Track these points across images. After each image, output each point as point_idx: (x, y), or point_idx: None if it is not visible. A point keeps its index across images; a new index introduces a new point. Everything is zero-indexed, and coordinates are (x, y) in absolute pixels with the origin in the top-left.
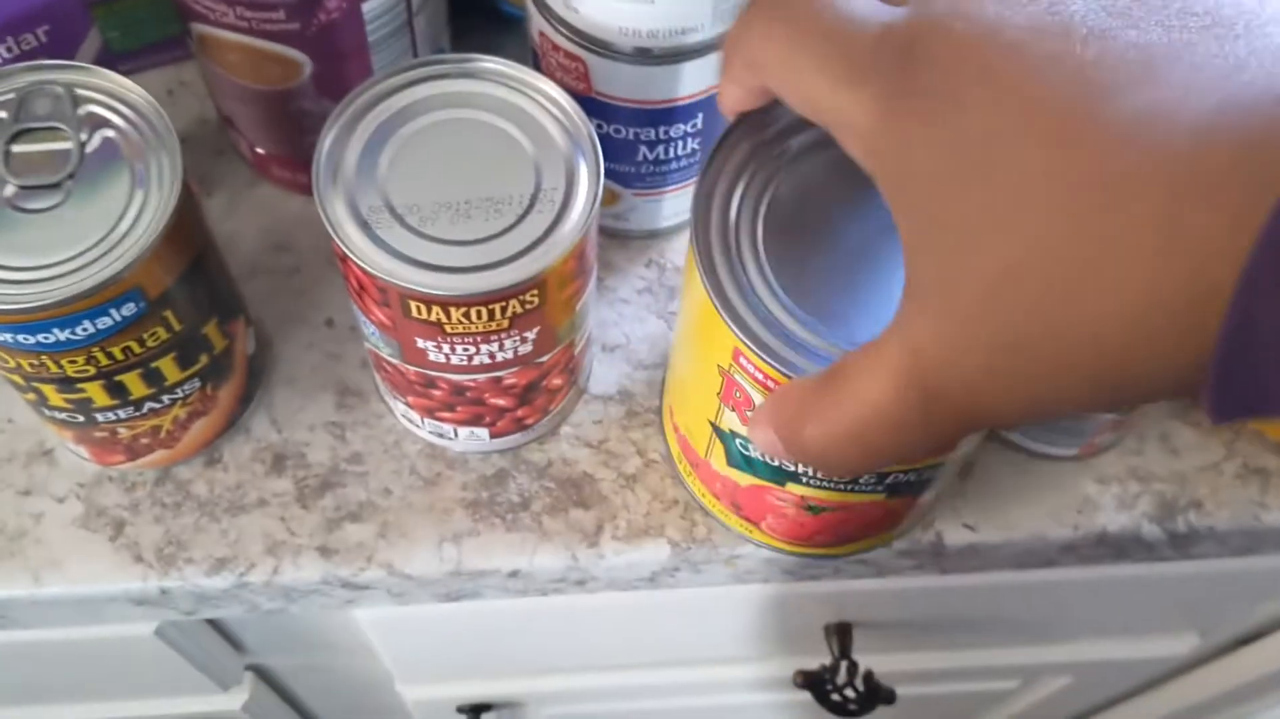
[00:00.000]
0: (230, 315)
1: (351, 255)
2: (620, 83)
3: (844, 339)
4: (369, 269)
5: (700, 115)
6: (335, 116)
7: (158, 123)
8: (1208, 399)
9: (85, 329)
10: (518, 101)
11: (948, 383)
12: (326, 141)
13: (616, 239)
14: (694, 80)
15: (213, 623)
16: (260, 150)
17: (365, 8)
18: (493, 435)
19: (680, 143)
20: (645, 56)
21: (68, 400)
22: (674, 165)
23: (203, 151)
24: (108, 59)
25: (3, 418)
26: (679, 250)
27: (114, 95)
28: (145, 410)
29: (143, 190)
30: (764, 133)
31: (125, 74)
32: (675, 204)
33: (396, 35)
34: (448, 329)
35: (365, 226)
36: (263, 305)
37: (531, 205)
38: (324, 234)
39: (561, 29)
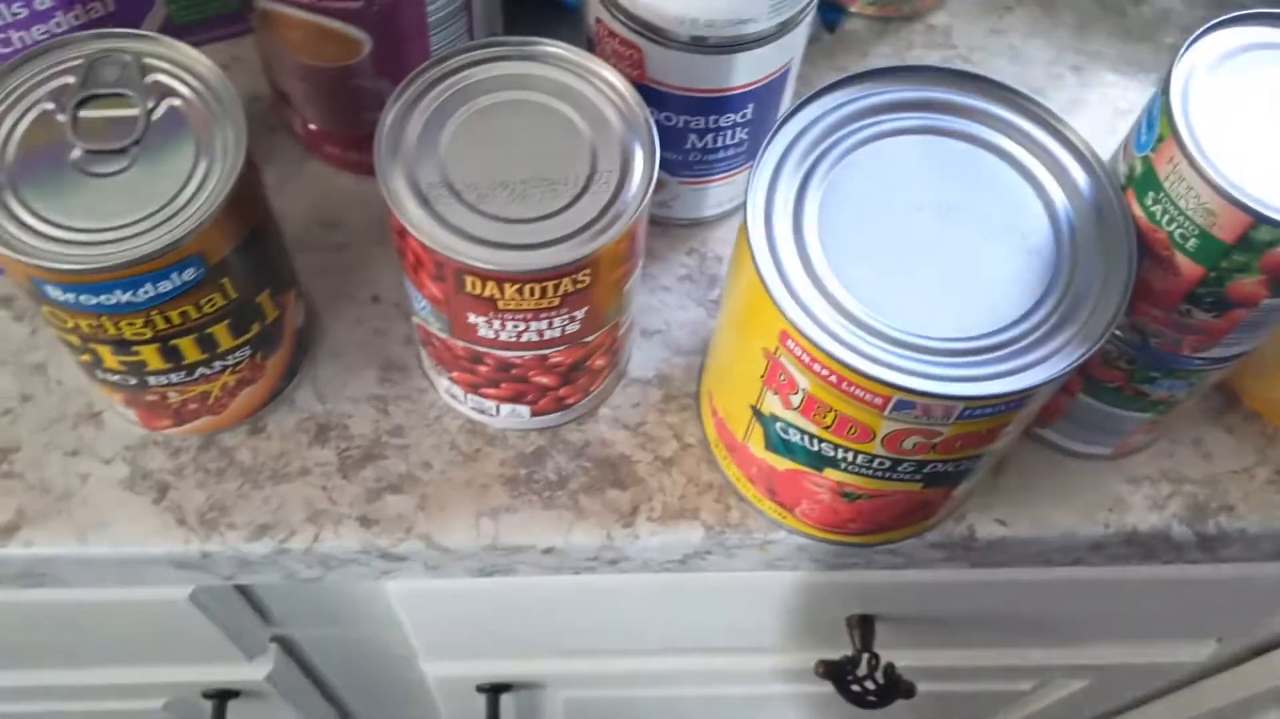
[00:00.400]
0: (283, 286)
1: (410, 229)
2: (674, 70)
3: (893, 324)
4: (427, 243)
5: (751, 105)
6: (398, 94)
7: (223, 93)
8: None
9: (146, 292)
10: (576, 85)
11: None
12: (388, 118)
13: (659, 226)
14: (748, 70)
15: (242, 591)
16: (313, 127)
17: None
18: (533, 414)
19: (729, 132)
20: (701, 45)
21: (122, 363)
22: (721, 154)
23: (255, 128)
24: (169, 31)
25: (52, 380)
26: (721, 239)
27: (180, 65)
28: (196, 376)
29: (206, 159)
30: (820, 122)
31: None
32: (720, 193)
33: (455, 17)
34: (500, 305)
35: (424, 202)
36: (311, 280)
37: (587, 187)
38: (371, 211)
39: (619, 15)
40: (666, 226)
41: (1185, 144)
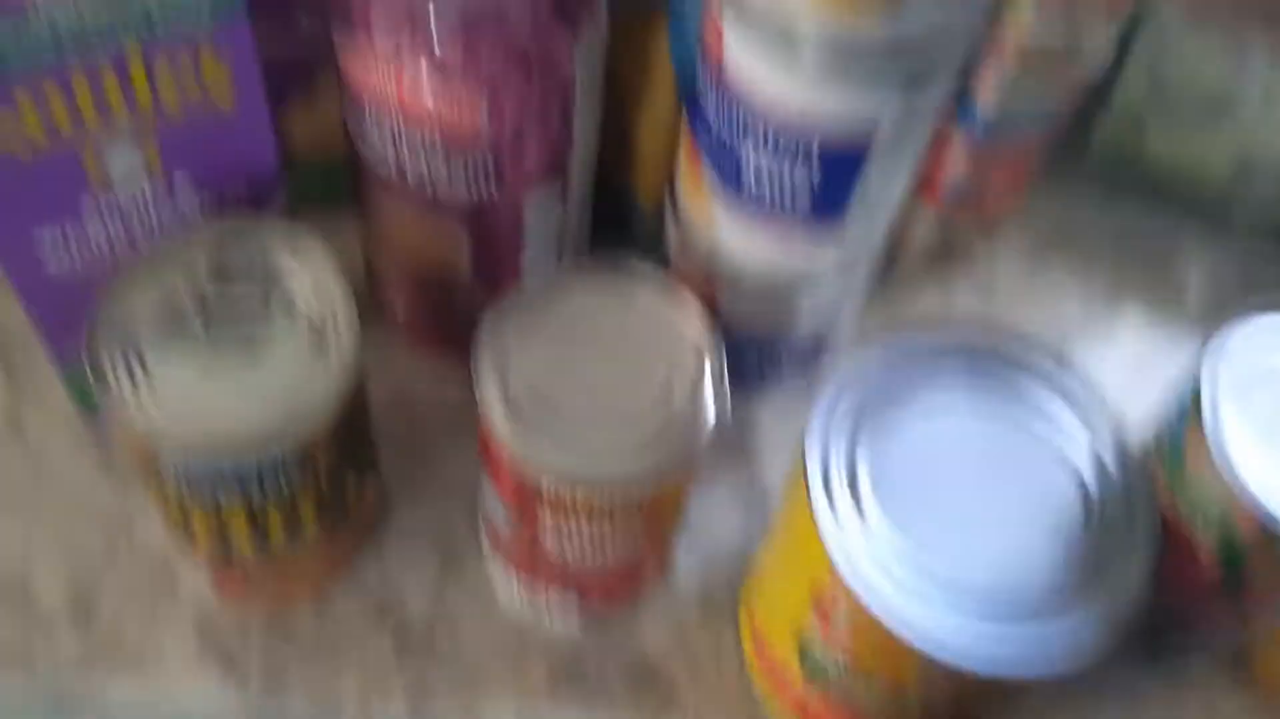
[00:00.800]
0: (366, 470)
1: (497, 435)
2: (742, 304)
3: (940, 575)
4: (511, 450)
5: (811, 340)
6: (496, 308)
7: (340, 286)
8: None
9: (251, 472)
10: (659, 308)
11: None
12: (486, 331)
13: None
14: (811, 312)
15: None
16: (404, 315)
17: (526, 206)
18: (581, 613)
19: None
20: (770, 288)
21: (211, 533)
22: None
23: None
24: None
25: (136, 539)
26: (770, 445)
27: (302, 256)
28: (277, 551)
29: (320, 349)
30: (872, 371)
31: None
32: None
33: (550, 234)
34: (570, 512)
35: (512, 410)
36: (385, 460)
37: (661, 406)
38: (450, 396)
39: (698, 255)
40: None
41: (1211, 441)
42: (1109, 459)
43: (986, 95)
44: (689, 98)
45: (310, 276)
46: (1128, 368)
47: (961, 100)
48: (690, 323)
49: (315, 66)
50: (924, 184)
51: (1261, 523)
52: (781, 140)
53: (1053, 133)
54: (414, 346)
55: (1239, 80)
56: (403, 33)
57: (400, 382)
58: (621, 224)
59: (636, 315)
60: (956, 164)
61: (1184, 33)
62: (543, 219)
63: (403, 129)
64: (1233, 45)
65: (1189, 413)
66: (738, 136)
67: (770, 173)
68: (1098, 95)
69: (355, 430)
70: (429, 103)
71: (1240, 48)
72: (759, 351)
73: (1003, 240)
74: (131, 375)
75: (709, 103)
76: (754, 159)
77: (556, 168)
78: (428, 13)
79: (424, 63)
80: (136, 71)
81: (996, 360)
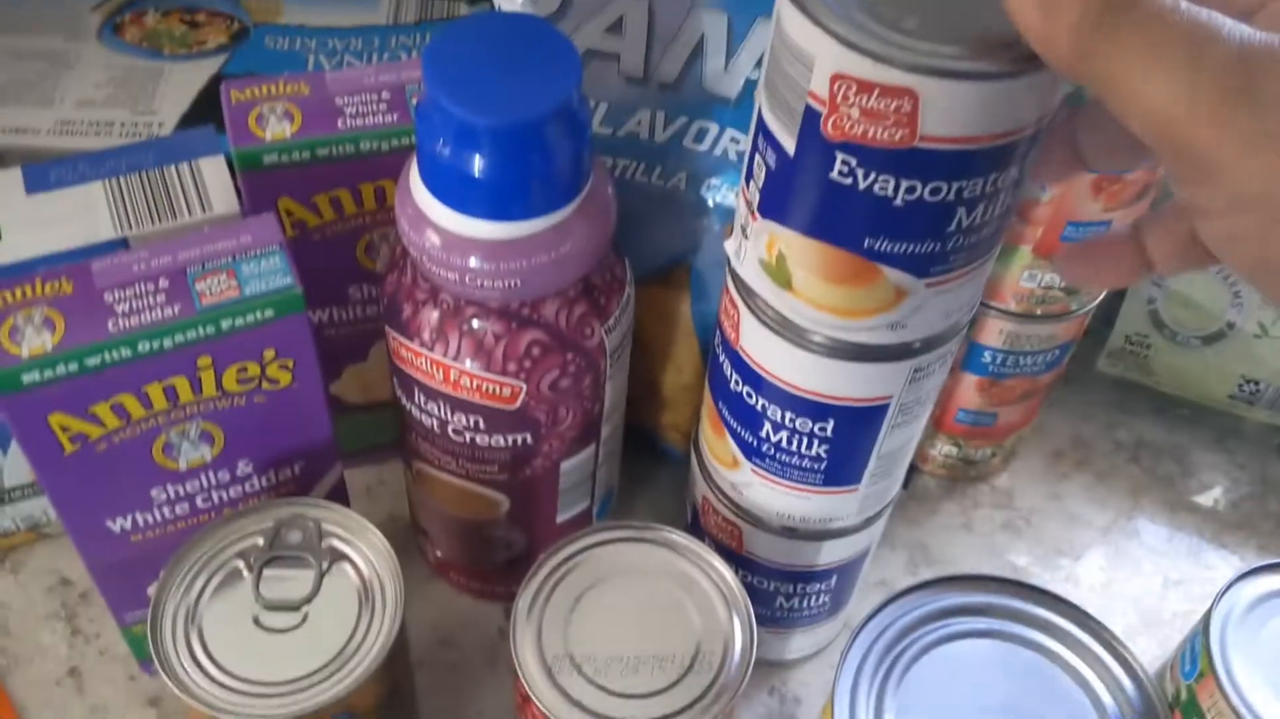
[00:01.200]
0: (407, 717)
1: (535, 698)
2: (766, 547)
3: None
4: (549, 712)
5: (834, 577)
6: (532, 573)
7: (388, 560)
8: None
9: None
10: (688, 570)
11: None
12: (522, 596)
13: None
14: (833, 553)
15: None
16: (442, 555)
17: (563, 465)
18: None
19: (813, 597)
20: (793, 534)
21: None
22: (805, 613)
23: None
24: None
25: None
26: (800, 680)
27: (353, 532)
28: None
29: (368, 619)
30: (896, 624)
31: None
32: (802, 641)
33: (583, 483)
34: None
35: (548, 673)
36: (423, 696)
37: (691, 666)
38: (486, 636)
39: (724, 501)
40: None
41: (1224, 687)
42: (1134, 698)
43: (991, 341)
44: (710, 352)
45: (360, 551)
46: (1149, 584)
47: (969, 348)
48: (720, 586)
49: (370, 338)
50: (939, 415)
51: None
52: (796, 411)
53: (1059, 365)
54: (455, 585)
55: (1234, 311)
56: (446, 333)
57: (446, 618)
58: (653, 458)
59: (669, 577)
60: (968, 399)
61: None
62: (576, 473)
63: (446, 408)
64: (1225, 277)
65: (1201, 657)
66: (755, 401)
67: (787, 435)
68: (1103, 317)
69: (400, 689)
70: (471, 388)
71: (1231, 279)
72: (785, 589)
73: (1020, 455)
74: (190, 648)
75: (727, 369)
76: (771, 422)
77: (590, 430)
78: (468, 316)
79: (467, 358)
80: (206, 375)
81: (1018, 615)
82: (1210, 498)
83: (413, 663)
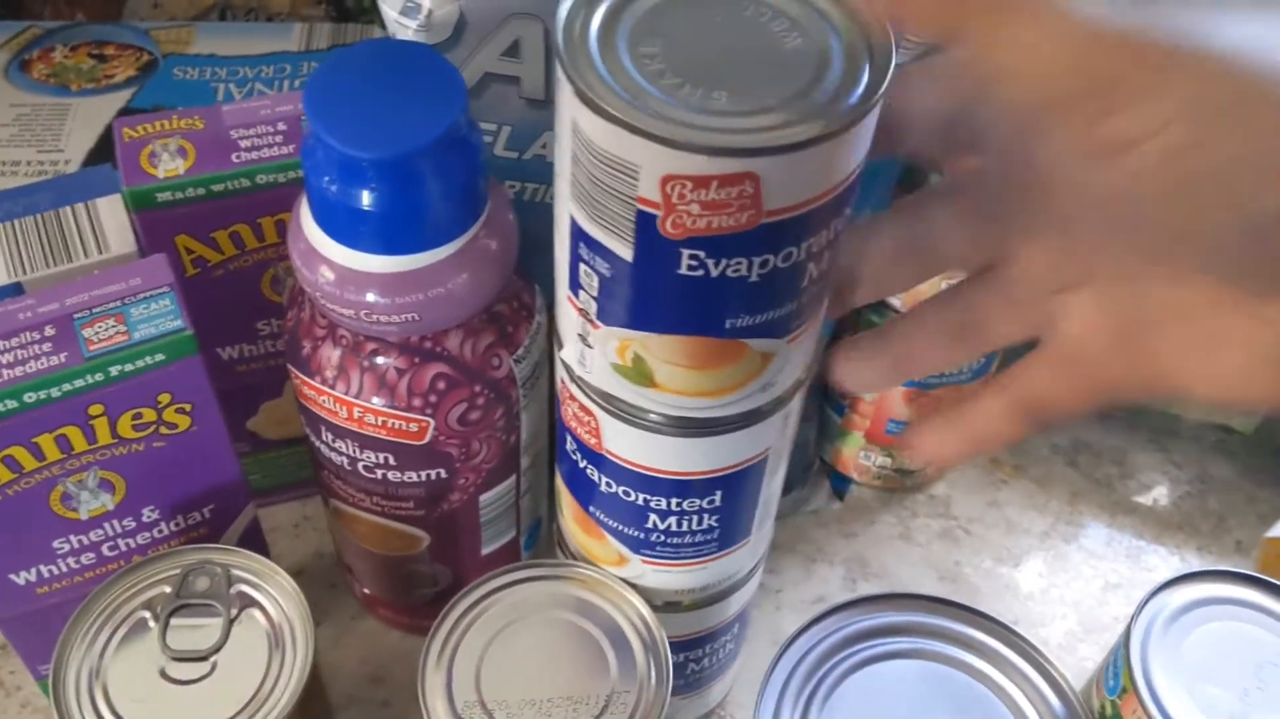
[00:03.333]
0: None
1: None
2: (674, 626)
3: None
4: None
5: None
6: (441, 618)
7: (298, 604)
8: None
9: None
10: (605, 608)
11: None
12: (434, 642)
13: None
14: (738, 603)
15: None
16: (369, 592)
17: (482, 498)
18: None
19: (724, 648)
20: (692, 605)
21: None
22: (719, 663)
23: (317, 584)
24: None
25: None
26: (736, 703)
27: (263, 577)
28: None
29: (278, 665)
30: (821, 645)
31: (260, 507)
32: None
33: (505, 514)
34: None
35: None
36: None
37: (605, 709)
38: (415, 670)
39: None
40: None
41: (1145, 703)
42: (1060, 715)
43: None
44: (560, 459)
45: (270, 596)
46: (1089, 588)
47: None
48: (636, 624)
49: (284, 373)
50: (870, 427)
51: None
52: (683, 495)
53: (986, 373)
54: (383, 621)
55: None
56: (348, 370)
57: (376, 654)
58: None
59: (585, 616)
60: (896, 410)
61: None
62: (497, 505)
63: (355, 445)
64: None
65: (1123, 673)
66: (635, 498)
67: (676, 520)
68: None
69: None
70: (377, 424)
71: None
72: (694, 654)
73: (957, 464)
74: (95, 705)
75: (593, 474)
76: (657, 513)
77: (508, 462)
78: (369, 352)
79: (371, 395)
80: (99, 423)
81: (946, 634)
82: (1150, 498)
83: (332, 703)
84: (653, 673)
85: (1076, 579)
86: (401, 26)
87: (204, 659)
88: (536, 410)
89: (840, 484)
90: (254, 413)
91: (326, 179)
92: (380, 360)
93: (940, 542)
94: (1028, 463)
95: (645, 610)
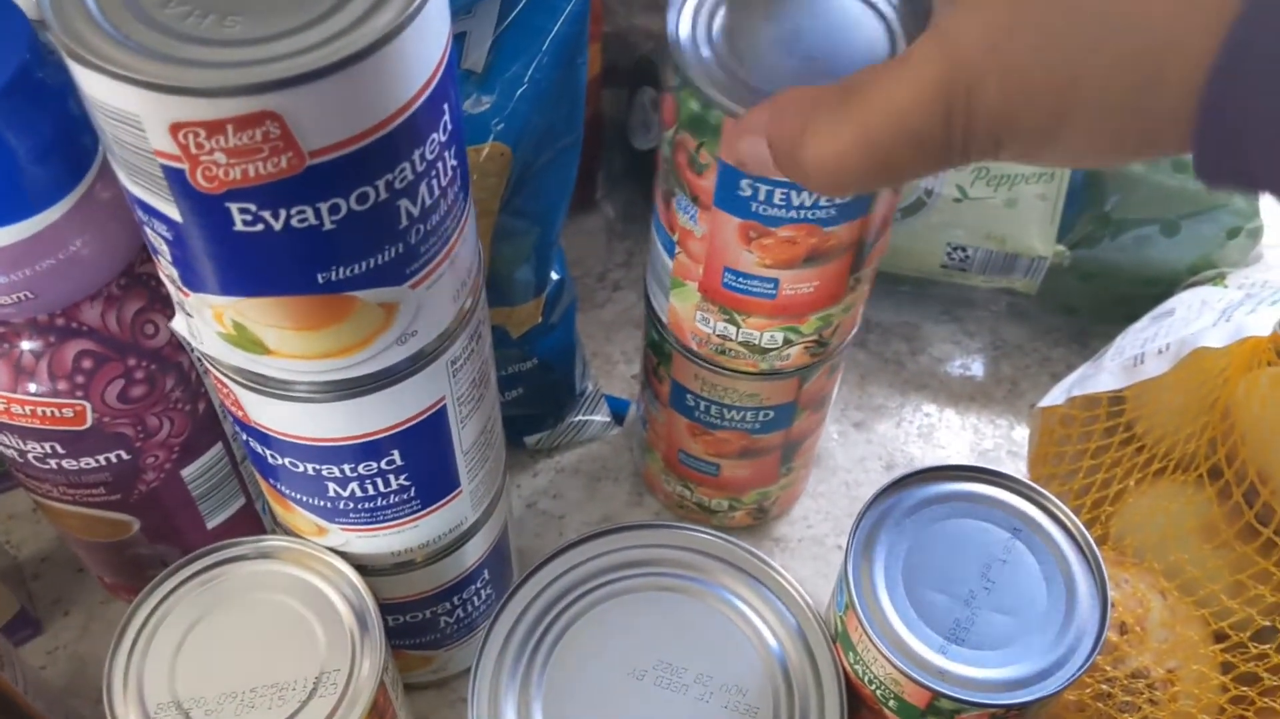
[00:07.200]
0: None
1: None
2: (405, 586)
3: None
4: None
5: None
6: (126, 619)
7: None
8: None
9: None
10: (309, 579)
11: (980, 86)
12: (119, 648)
13: None
14: (476, 551)
15: None
16: (106, 578)
17: (185, 473)
18: None
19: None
20: (418, 563)
21: None
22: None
23: (63, 570)
24: None
25: None
26: None
27: None
28: None
29: None
30: (548, 590)
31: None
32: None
33: (223, 484)
34: None
35: None
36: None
37: (314, 691)
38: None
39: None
40: None
41: (863, 619)
42: (798, 640)
43: (689, 384)
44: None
45: None
46: (876, 479)
47: (672, 385)
48: (344, 591)
49: None
50: (665, 450)
51: (929, 689)
52: (353, 460)
53: (783, 428)
54: (128, 602)
55: (930, 179)
56: None
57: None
58: None
59: (288, 592)
60: (684, 441)
61: None
62: (209, 477)
63: (16, 437)
64: None
65: (845, 588)
66: (304, 468)
67: (358, 484)
68: None
69: None
70: (29, 414)
71: None
72: (443, 607)
73: None
74: None
75: (256, 445)
76: (334, 480)
77: (205, 431)
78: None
79: (13, 384)
80: None
81: (678, 563)
82: (939, 370)
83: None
84: (364, 641)
85: (869, 463)
86: None
87: None
88: None
89: (619, 407)
90: None
91: None
92: (11, 345)
93: None
94: None
95: (354, 576)
